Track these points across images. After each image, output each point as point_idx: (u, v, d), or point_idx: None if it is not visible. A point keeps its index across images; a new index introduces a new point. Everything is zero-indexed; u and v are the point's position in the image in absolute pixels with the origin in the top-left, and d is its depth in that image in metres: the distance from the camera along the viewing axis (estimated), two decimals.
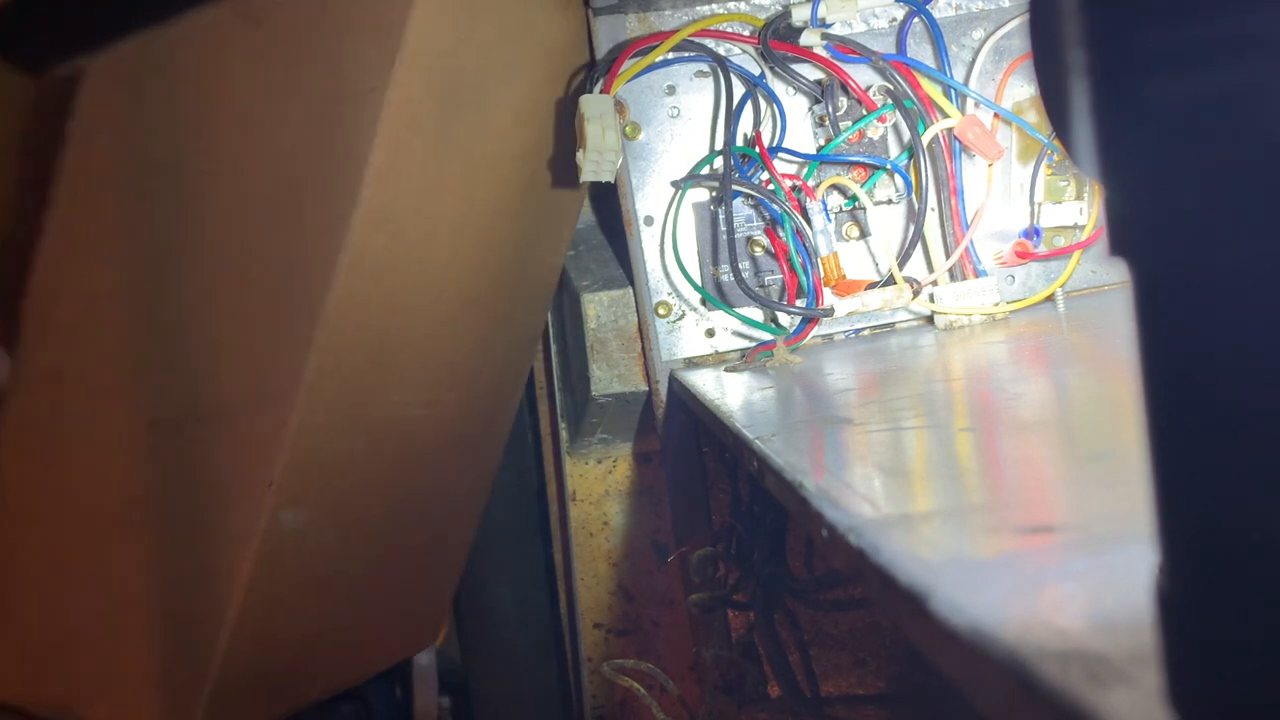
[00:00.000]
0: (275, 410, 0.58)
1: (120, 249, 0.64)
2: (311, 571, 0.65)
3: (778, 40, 0.69)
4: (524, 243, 0.74)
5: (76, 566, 0.65)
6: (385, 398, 0.65)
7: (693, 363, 0.71)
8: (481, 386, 0.76)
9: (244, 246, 0.61)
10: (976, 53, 0.71)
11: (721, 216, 0.69)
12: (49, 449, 0.66)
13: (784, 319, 0.70)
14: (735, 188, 0.68)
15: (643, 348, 0.73)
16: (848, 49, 0.68)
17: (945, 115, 0.68)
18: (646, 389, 0.74)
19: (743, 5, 0.71)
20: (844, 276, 0.67)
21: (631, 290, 0.73)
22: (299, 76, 0.59)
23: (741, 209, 0.70)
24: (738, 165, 0.69)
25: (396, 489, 0.71)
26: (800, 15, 0.68)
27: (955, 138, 0.68)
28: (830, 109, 0.69)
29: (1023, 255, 0.70)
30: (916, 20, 0.70)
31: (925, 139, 0.68)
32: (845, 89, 0.69)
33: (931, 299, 0.69)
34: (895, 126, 0.70)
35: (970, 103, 0.70)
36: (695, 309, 0.71)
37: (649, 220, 0.71)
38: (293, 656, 0.67)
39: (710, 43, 0.70)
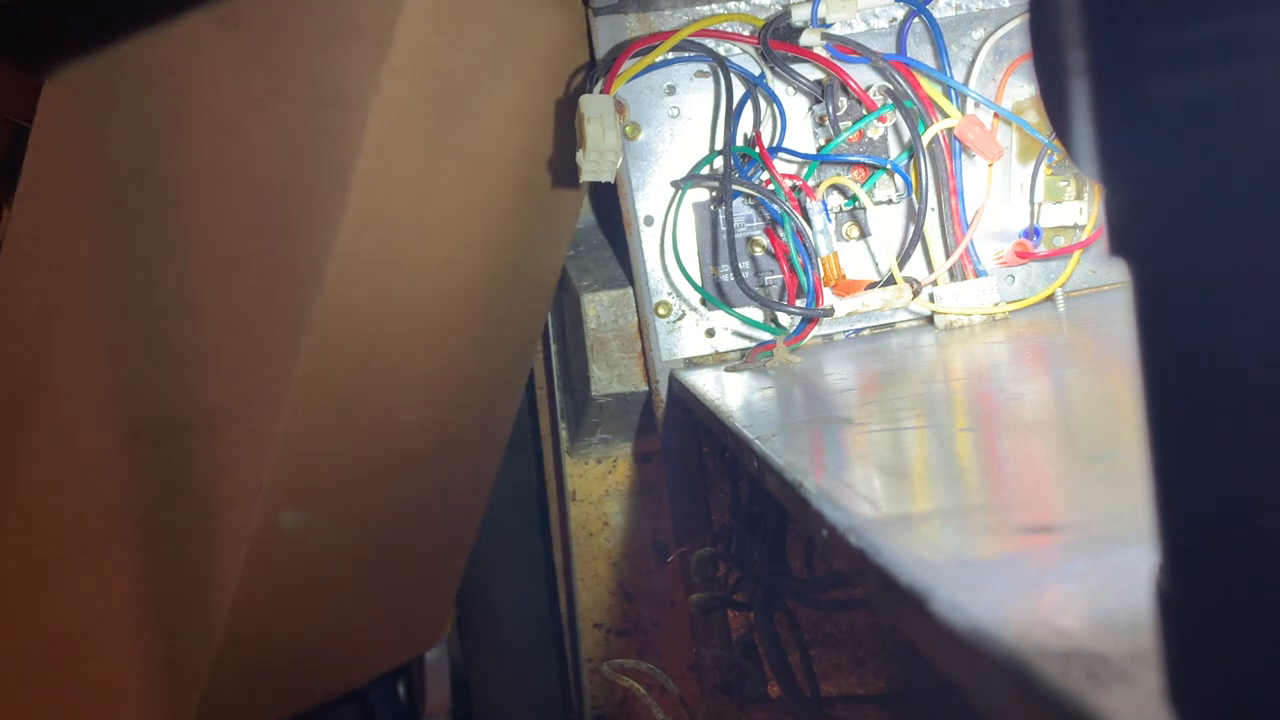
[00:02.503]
0: (264, 415, 0.58)
1: (93, 259, 0.62)
2: (305, 574, 0.64)
3: (778, 40, 0.69)
4: (521, 244, 0.74)
5: (60, 579, 0.64)
6: (376, 401, 0.65)
7: (693, 363, 0.71)
8: (478, 388, 0.76)
9: (227, 253, 0.60)
10: (976, 53, 0.71)
11: (721, 216, 0.69)
12: (26, 463, 0.65)
13: (784, 319, 0.70)
14: (735, 188, 0.68)
15: (643, 348, 0.73)
16: (848, 49, 0.68)
17: (945, 115, 0.68)
18: (646, 389, 0.74)
19: (743, 5, 0.71)
20: (844, 276, 0.67)
21: (631, 290, 0.74)
22: (282, 81, 0.59)
23: (741, 209, 0.70)
24: (738, 165, 0.69)
25: (393, 491, 0.71)
26: (800, 15, 0.68)
27: (955, 138, 0.68)
28: (830, 109, 0.69)
29: (1023, 255, 0.70)
30: (916, 20, 0.70)
31: (925, 139, 0.68)
32: (845, 89, 0.69)
33: (931, 299, 0.69)
34: (895, 126, 0.70)
35: (970, 103, 0.70)
36: (695, 309, 0.71)
37: (649, 220, 0.71)
38: (289, 659, 0.67)
39: (710, 43, 0.70)
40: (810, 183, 0.69)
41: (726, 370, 0.68)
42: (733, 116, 0.69)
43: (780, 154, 0.69)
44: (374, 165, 0.58)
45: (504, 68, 0.66)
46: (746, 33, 0.70)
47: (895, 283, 0.68)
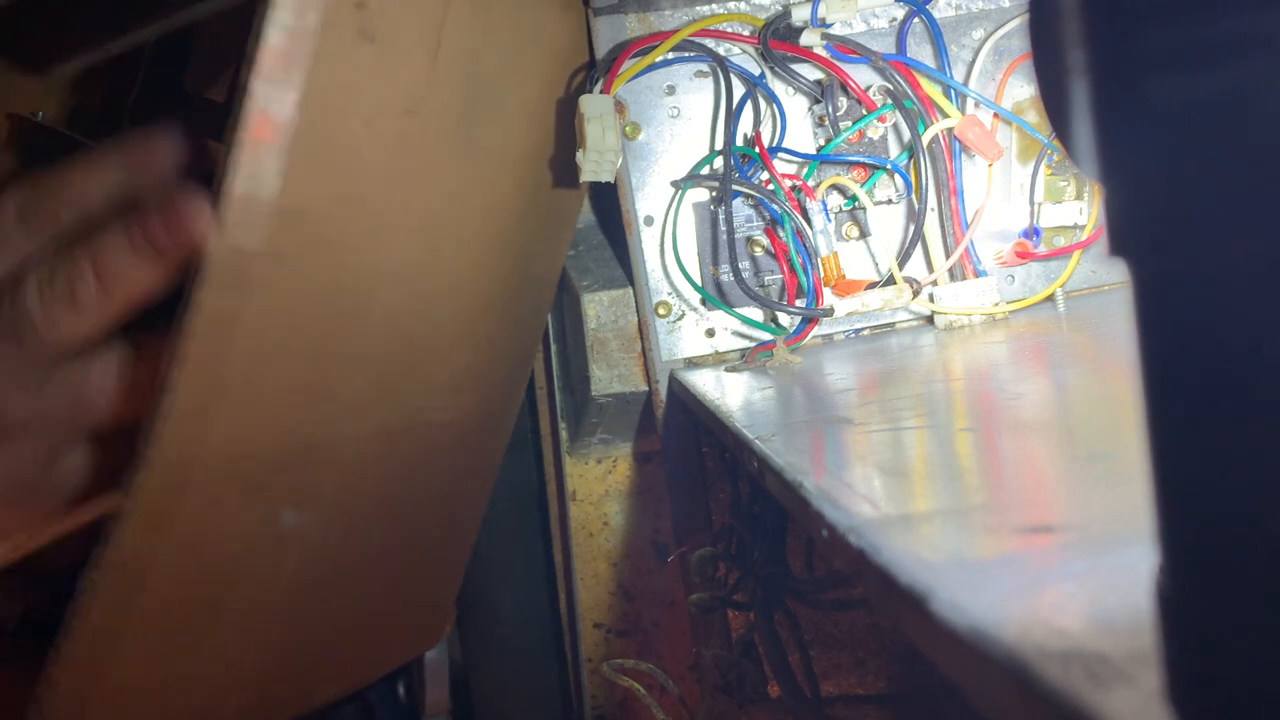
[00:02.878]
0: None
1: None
2: (308, 575, 0.64)
3: (778, 40, 0.69)
4: (529, 243, 0.74)
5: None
6: (409, 403, 0.65)
7: (693, 363, 0.71)
8: (484, 388, 0.76)
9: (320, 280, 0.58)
10: (976, 53, 0.71)
11: (721, 216, 0.69)
12: None
13: (784, 319, 0.70)
14: (735, 188, 0.68)
15: (643, 348, 0.73)
16: (848, 49, 0.68)
17: (945, 115, 0.68)
18: (646, 389, 0.74)
19: (743, 5, 0.71)
20: (844, 276, 0.67)
21: (631, 290, 0.74)
22: (389, 91, 0.58)
23: (741, 209, 0.70)
24: (738, 165, 0.69)
25: (395, 491, 0.71)
26: (800, 15, 0.68)
27: (955, 138, 0.68)
28: (830, 109, 0.69)
29: (1023, 255, 0.70)
30: (916, 20, 0.70)
31: (925, 139, 0.68)
32: (845, 89, 0.69)
33: (931, 299, 0.69)
34: (895, 126, 0.70)
35: (970, 103, 0.70)
36: (695, 309, 0.71)
37: (649, 220, 0.71)
38: (294, 660, 0.67)
39: (710, 43, 0.70)
40: (810, 183, 0.69)
41: (726, 370, 0.68)
42: (733, 116, 0.69)
43: (780, 154, 0.69)
44: (427, 169, 0.57)
45: (526, 66, 0.66)
46: (746, 33, 0.70)
47: (895, 283, 0.68)
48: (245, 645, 0.61)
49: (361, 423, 0.61)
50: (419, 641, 0.83)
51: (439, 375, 0.67)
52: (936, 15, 0.70)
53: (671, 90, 0.71)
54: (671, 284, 0.71)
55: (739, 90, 0.70)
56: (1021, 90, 0.71)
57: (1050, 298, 0.71)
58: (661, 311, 0.71)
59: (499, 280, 0.71)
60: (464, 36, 0.58)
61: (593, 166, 0.66)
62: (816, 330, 0.70)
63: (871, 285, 0.68)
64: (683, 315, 0.72)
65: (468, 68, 0.60)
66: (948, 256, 0.69)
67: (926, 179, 0.68)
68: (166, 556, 0.51)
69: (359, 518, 0.67)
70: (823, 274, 0.67)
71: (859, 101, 0.69)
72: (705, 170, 0.70)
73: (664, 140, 0.71)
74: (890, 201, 0.71)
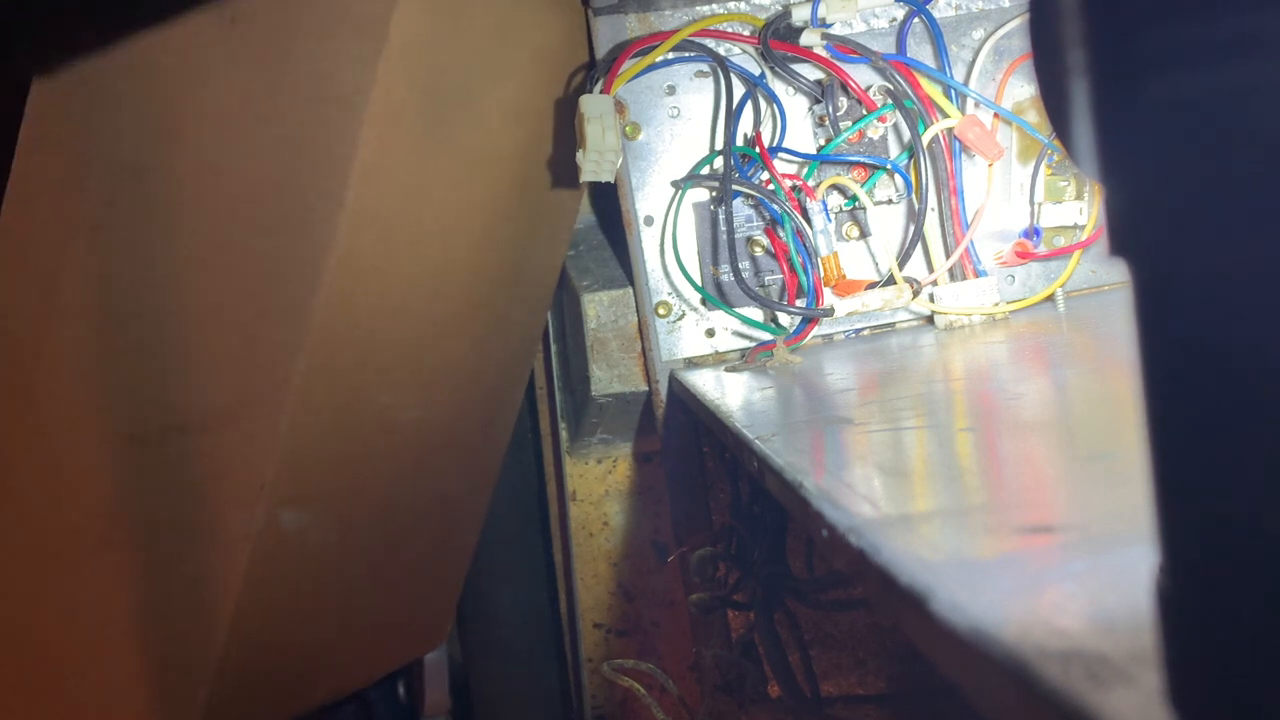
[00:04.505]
0: (264, 414, 0.58)
1: (87, 259, 0.61)
2: (308, 575, 0.64)
3: (778, 40, 0.69)
4: (520, 243, 0.74)
5: (60, 585, 0.63)
6: (376, 399, 0.65)
7: (693, 363, 0.71)
8: (479, 388, 0.76)
9: (225, 252, 0.59)
10: (976, 53, 0.71)
11: (721, 216, 0.69)
12: (22, 467, 0.64)
13: (784, 319, 0.70)
14: (735, 188, 0.68)
15: (643, 348, 0.73)
16: (848, 49, 0.68)
17: (945, 115, 0.68)
18: (646, 389, 0.74)
19: (743, 5, 0.71)
20: (844, 276, 0.67)
21: (631, 290, 0.74)
22: (281, 76, 0.58)
23: (741, 209, 0.70)
24: (738, 165, 0.69)
25: (394, 491, 0.71)
26: (800, 15, 0.68)
27: (955, 138, 0.68)
28: (830, 109, 0.69)
29: (1023, 255, 0.70)
30: (916, 20, 0.70)
31: (925, 139, 0.68)
32: (845, 89, 0.69)
33: (931, 299, 0.69)
34: (895, 126, 0.70)
35: (970, 103, 0.70)
36: (695, 309, 0.71)
37: (649, 220, 0.71)
38: (293, 661, 0.67)
39: (710, 43, 0.70)
40: (810, 183, 0.69)
41: (726, 370, 0.68)
42: (733, 116, 0.69)
43: (780, 154, 0.69)
44: (371, 162, 0.58)
45: (501, 65, 0.66)
46: (746, 33, 0.70)
47: (895, 283, 0.68)
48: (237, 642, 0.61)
49: (324, 414, 0.61)
50: (419, 642, 0.83)
51: (405, 373, 0.67)
52: (936, 15, 0.70)
53: (672, 90, 0.71)
54: (671, 284, 0.71)
55: (739, 90, 0.70)
56: (1021, 90, 0.71)
57: (1050, 298, 0.71)
58: (661, 311, 0.71)
59: (483, 279, 0.71)
60: (420, 30, 0.58)
61: (593, 166, 0.66)
62: (816, 330, 0.70)
63: (871, 285, 0.68)
64: (683, 315, 0.72)
65: (426, 62, 0.60)
66: (948, 256, 0.69)
67: (926, 179, 0.68)
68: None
69: (355, 516, 0.67)
70: (823, 274, 0.67)
71: (859, 101, 0.69)
72: (705, 170, 0.70)
73: (664, 140, 0.71)
74: (890, 201, 0.71)
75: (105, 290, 0.61)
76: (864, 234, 0.71)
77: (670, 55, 0.70)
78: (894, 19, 0.71)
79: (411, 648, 0.83)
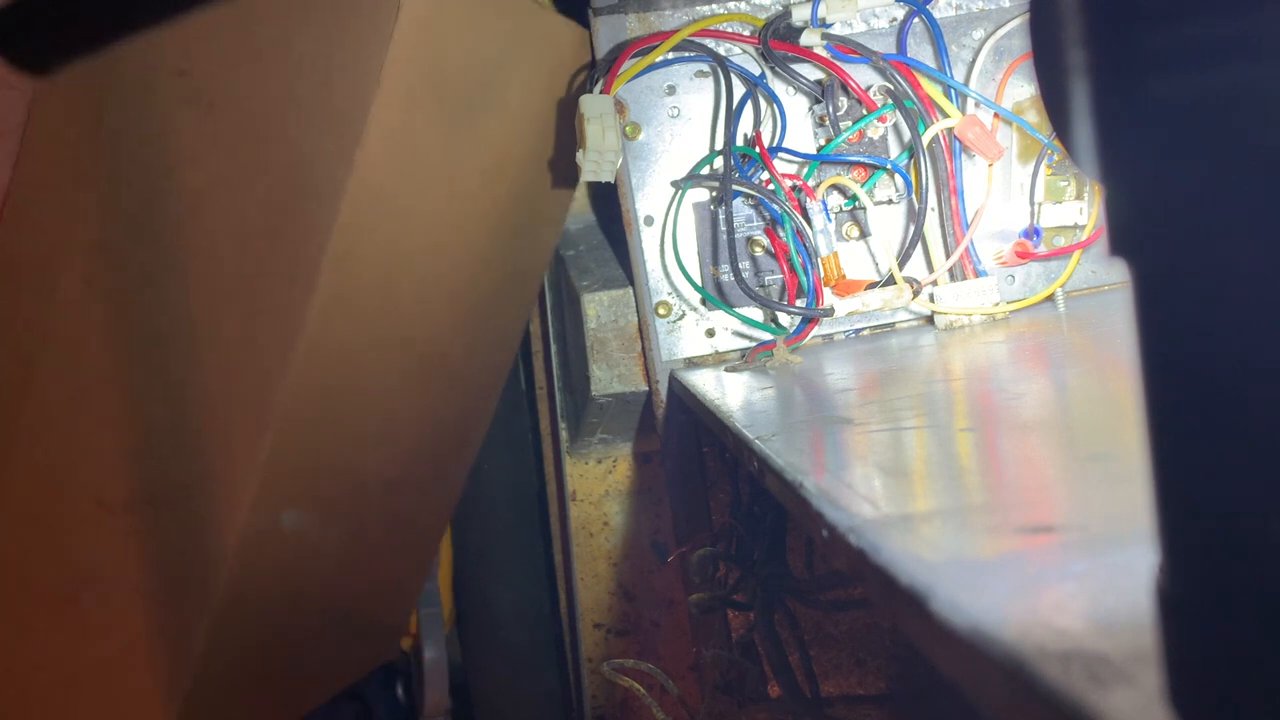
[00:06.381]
0: (250, 428, 0.57)
1: (86, 275, 0.60)
2: (287, 585, 0.64)
3: (778, 40, 0.69)
4: (509, 256, 0.74)
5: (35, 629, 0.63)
6: (360, 416, 0.65)
7: (693, 363, 0.71)
8: (452, 417, 0.76)
9: (224, 267, 0.59)
10: (977, 53, 0.71)
11: (721, 216, 0.69)
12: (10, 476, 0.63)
13: (784, 319, 0.70)
14: (735, 188, 0.68)
15: (643, 348, 0.73)
16: (848, 49, 0.68)
17: (945, 115, 0.68)
18: (646, 389, 0.74)
19: (743, 5, 0.71)
20: (844, 276, 0.67)
21: (631, 290, 0.74)
22: (295, 83, 0.58)
23: (741, 209, 0.70)
24: (738, 165, 0.69)
25: (372, 504, 0.70)
26: (800, 15, 0.68)
27: (955, 138, 0.68)
28: (830, 109, 0.69)
29: (1023, 255, 0.70)
30: (916, 20, 0.70)
31: (925, 139, 0.68)
32: (845, 89, 0.69)
33: (931, 299, 0.69)
34: (895, 126, 0.70)
35: (970, 103, 0.70)
36: (695, 309, 0.71)
37: (649, 220, 0.71)
38: (267, 674, 0.67)
39: (710, 43, 0.70)
40: (810, 183, 0.69)
41: (726, 370, 0.68)
42: (733, 116, 0.69)
43: (780, 154, 0.69)
44: (368, 176, 0.58)
45: (499, 79, 0.66)
46: (746, 33, 0.70)
47: (895, 283, 0.68)
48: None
49: (310, 427, 0.61)
50: (378, 652, 0.83)
51: (386, 393, 0.67)
52: (936, 15, 0.70)
53: (672, 90, 0.71)
54: (671, 284, 0.71)
55: (739, 90, 0.70)
56: (1022, 90, 0.71)
57: (1050, 298, 0.71)
58: (661, 311, 0.71)
59: (471, 293, 0.71)
60: (423, 45, 0.58)
61: (593, 166, 0.66)
62: (816, 330, 0.70)
63: (872, 285, 0.68)
64: (683, 315, 0.72)
65: (428, 76, 0.60)
66: (948, 256, 0.69)
67: (926, 179, 0.68)
68: None
69: (330, 528, 0.67)
70: (823, 274, 0.67)
71: (859, 101, 0.69)
72: (705, 170, 0.70)
73: (664, 140, 0.71)
74: (890, 201, 0.71)
75: (103, 311, 0.60)
76: (864, 234, 0.71)
77: (670, 55, 0.70)
78: (894, 19, 0.71)
79: (371, 657, 0.83)
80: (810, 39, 0.68)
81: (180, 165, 0.59)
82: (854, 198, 0.70)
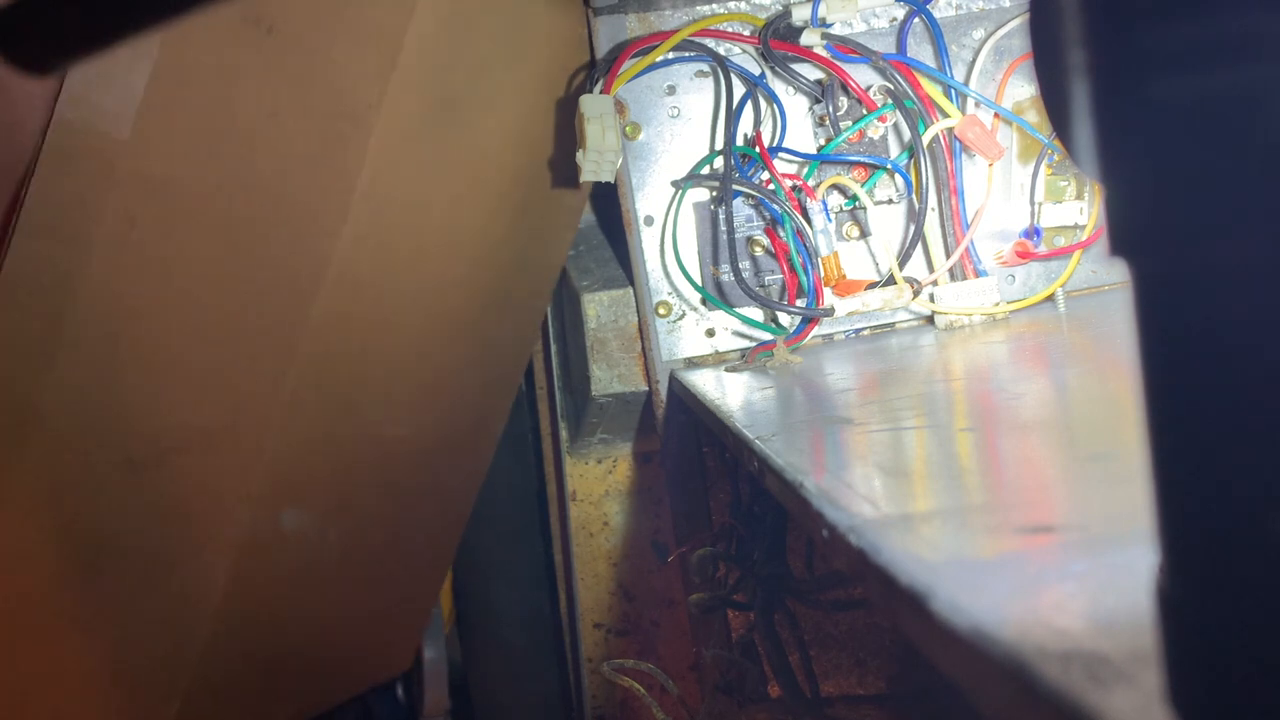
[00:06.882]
0: (254, 428, 0.57)
1: (102, 277, 0.59)
2: (286, 592, 0.64)
3: (778, 40, 0.69)
4: (515, 264, 0.74)
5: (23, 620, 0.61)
6: (364, 416, 0.64)
7: (693, 363, 0.71)
8: (465, 410, 0.76)
9: (229, 264, 0.57)
10: (977, 52, 0.71)
11: (721, 216, 0.69)
12: (16, 487, 0.62)
13: (784, 319, 0.70)
14: (735, 187, 0.68)
15: (643, 348, 0.73)
16: (848, 49, 0.68)
17: (945, 115, 0.68)
18: (646, 389, 0.74)
19: (743, 5, 0.71)
20: (844, 276, 0.67)
21: (631, 290, 0.74)
22: (305, 89, 0.57)
23: (741, 209, 0.70)
24: (738, 165, 0.69)
25: (371, 512, 0.70)
26: (800, 15, 0.68)
27: (955, 137, 0.68)
28: (830, 109, 0.69)
29: (1023, 255, 0.70)
30: (917, 20, 0.70)
31: (925, 139, 0.68)
32: (845, 89, 0.69)
33: (932, 299, 0.69)
34: (895, 126, 0.70)
35: (970, 102, 0.70)
36: (695, 309, 0.71)
37: (649, 220, 0.71)
38: (265, 677, 0.66)
39: (710, 43, 0.70)
40: (810, 183, 0.69)
41: (726, 370, 0.68)
42: (733, 116, 0.69)
43: (780, 154, 0.69)
44: (376, 181, 0.57)
45: (504, 83, 0.66)
46: (746, 33, 0.70)
47: (895, 283, 0.68)
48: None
49: (312, 429, 0.60)
50: (381, 668, 0.82)
51: (395, 391, 0.66)
52: (937, 15, 0.70)
53: (672, 90, 0.71)
54: (672, 284, 0.71)
55: (739, 90, 0.70)
56: (1022, 90, 0.71)
57: (1050, 298, 0.71)
58: (662, 311, 0.71)
59: (477, 297, 0.71)
60: (432, 47, 0.58)
61: (593, 166, 0.66)
62: (816, 330, 0.70)
63: (872, 285, 0.68)
64: (683, 315, 0.72)
65: (436, 80, 0.59)
66: (948, 256, 0.69)
67: (927, 179, 0.68)
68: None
69: (334, 534, 0.67)
70: (823, 274, 0.67)
71: (859, 101, 0.69)
72: (705, 170, 0.70)
73: (664, 140, 0.71)
74: (890, 201, 0.71)
75: (115, 307, 0.59)
76: (864, 234, 0.71)
77: (670, 55, 0.70)
78: (894, 19, 0.71)
79: (373, 674, 0.82)
80: (810, 39, 0.68)
81: (232, 92, 0.57)
82: (854, 198, 0.70)
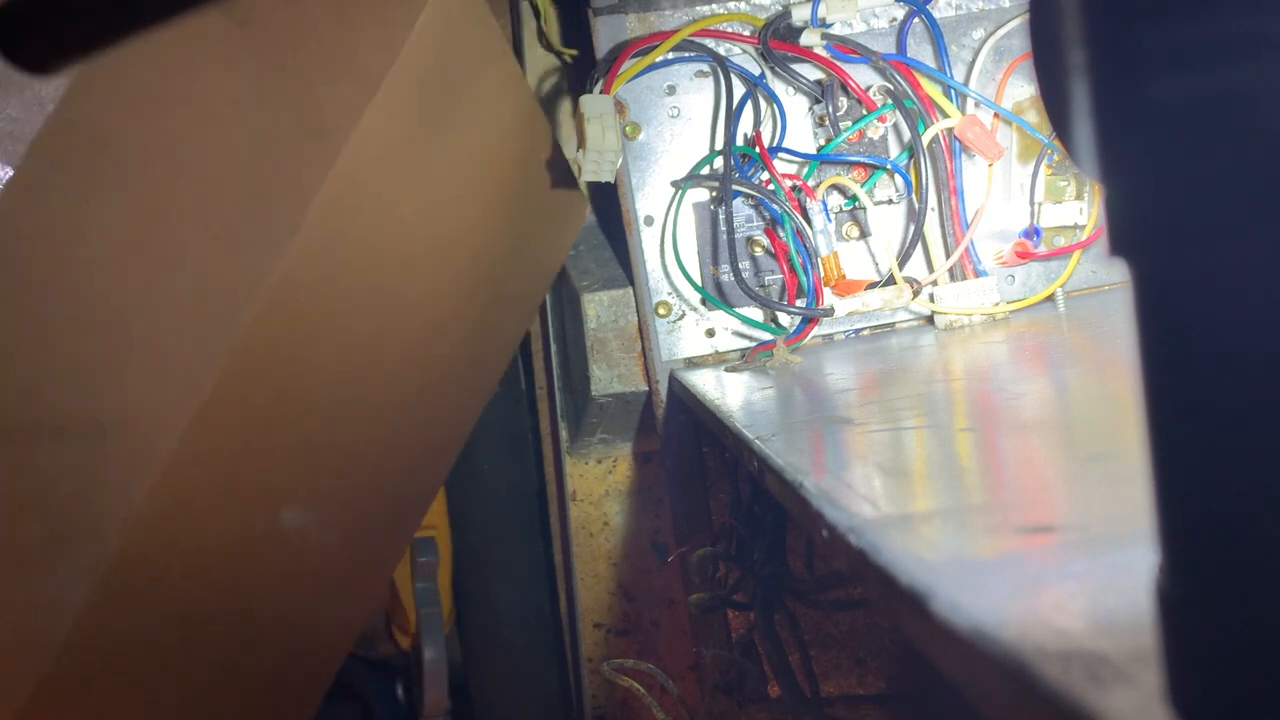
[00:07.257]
0: (153, 434, 0.53)
1: (16, 215, 0.53)
2: (144, 640, 0.58)
3: (778, 40, 0.69)
4: (504, 265, 0.72)
5: None
6: (284, 443, 0.61)
7: (693, 363, 0.71)
8: (430, 426, 0.73)
9: (166, 248, 0.54)
10: (976, 53, 0.71)
11: (721, 216, 0.69)
12: None
13: (784, 319, 0.70)
14: (735, 188, 0.68)
15: (643, 348, 0.73)
16: (848, 49, 0.68)
17: (945, 115, 0.68)
18: (646, 389, 0.74)
19: (743, 5, 0.71)
20: (844, 276, 0.67)
21: (631, 290, 0.74)
22: (275, 85, 0.55)
23: (741, 209, 0.70)
24: (738, 165, 0.69)
25: (270, 571, 0.65)
26: (800, 15, 0.68)
27: (955, 138, 0.68)
28: (830, 109, 0.69)
29: (1023, 255, 0.70)
30: (916, 20, 0.70)
31: (925, 139, 0.68)
32: (845, 89, 0.69)
33: (931, 299, 0.69)
34: (895, 126, 0.70)
35: (970, 102, 0.70)
36: (695, 309, 0.71)
37: (649, 220, 0.71)
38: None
39: (710, 43, 0.70)
40: (810, 183, 0.69)
41: (726, 370, 0.68)
42: (733, 116, 0.69)
43: (780, 154, 0.69)
44: (339, 194, 0.56)
45: (489, 89, 0.65)
46: (746, 33, 0.70)
47: (895, 283, 0.68)
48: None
49: (218, 449, 0.56)
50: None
51: (325, 416, 0.63)
52: (936, 15, 0.70)
53: (671, 90, 0.71)
54: (671, 284, 0.71)
55: (739, 90, 0.70)
56: (1021, 90, 0.71)
57: (1050, 298, 0.71)
58: (661, 311, 0.71)
59: (446, 323, 0.69)
60: (417, 77, 0.57)
61: (593, 166, 0.66)
62: (816, 330, 0.70)
63: (872, 285, 0.68)
64: (683, 315, 0.72)
65: (416, 108, 0.59)
66: (948, 256, 0.69)
67: (926, 179, 0.68)
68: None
69: (224, 583, 0.62)
70: (823, 274, 0.67)
71: (859, 101, 0.69)
72: (705, 170, 0.70)
73: (664, 140, 0.71)
74: (890, 201, 0.71)
75: (26, 257, 0.54)
76: (864, 234, 0.71)
77: (670, 55, 0.70)
78: (894, 19, 0.71)
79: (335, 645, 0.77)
80: (810, 39, 0.68)
81: (193, 72, 0.55)
82: (854, 198, 0.70)
